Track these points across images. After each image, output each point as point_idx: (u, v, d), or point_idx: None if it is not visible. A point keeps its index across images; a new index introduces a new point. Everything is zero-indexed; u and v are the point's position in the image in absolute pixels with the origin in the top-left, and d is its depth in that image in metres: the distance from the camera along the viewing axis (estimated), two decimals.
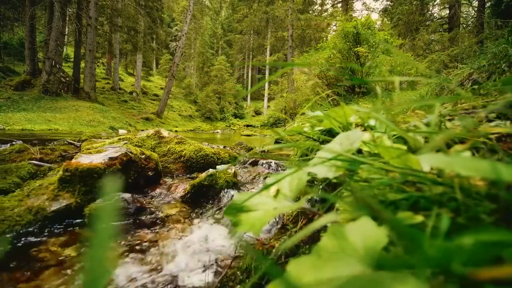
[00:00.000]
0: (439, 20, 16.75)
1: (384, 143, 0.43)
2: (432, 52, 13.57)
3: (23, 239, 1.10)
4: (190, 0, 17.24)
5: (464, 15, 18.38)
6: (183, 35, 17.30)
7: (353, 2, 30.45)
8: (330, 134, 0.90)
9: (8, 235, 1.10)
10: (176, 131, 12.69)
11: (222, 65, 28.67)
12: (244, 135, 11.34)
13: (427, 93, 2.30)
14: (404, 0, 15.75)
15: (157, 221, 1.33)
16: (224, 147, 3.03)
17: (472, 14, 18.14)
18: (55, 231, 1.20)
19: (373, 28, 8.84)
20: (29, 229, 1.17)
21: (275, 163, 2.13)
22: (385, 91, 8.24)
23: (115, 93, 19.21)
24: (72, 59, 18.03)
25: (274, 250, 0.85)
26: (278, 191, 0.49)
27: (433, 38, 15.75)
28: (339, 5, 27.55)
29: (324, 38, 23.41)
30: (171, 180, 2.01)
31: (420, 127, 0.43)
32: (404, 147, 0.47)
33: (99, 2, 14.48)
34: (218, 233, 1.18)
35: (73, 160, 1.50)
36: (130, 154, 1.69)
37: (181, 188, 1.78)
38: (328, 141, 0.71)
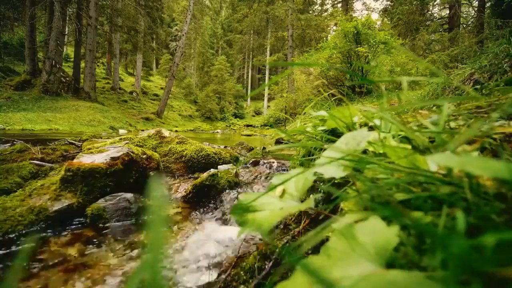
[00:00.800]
0: (439, 20, 16.77)
1: (391, 143, 0.43)
2: (432, 52, 13.58)
3: (25, 239, 1.10)
4: (190, 0, 17.24)
5: (464, 15, 18.38)
6: (183, 35, 17.30)
7: (353, 2, 30.47)
8: (333, 134, 0.90)
9: (10, 235, 1.10)
10: (176, 131, 12.68)
11: (222, 65, 28.68)
12: (244, 135, 11.34)
13: (428, 93, 2.30)
14: (404, 0, 15.76)
15: None
16: (225, 147, 3.03)
17: (472, 14, 18.14)
18: (57, 231, 1.20)
19: (373, 28, 8.84)
20: (32, 229, 1.17)
21: (277, 163, 2.13)
22: (385, 91, 8.22)
23: (115, 93, 19.20)
24: (72, 59, 18.02)
25: (277, 250, 0.85)
26: (284, 191, 0.49)
27: (433, 38, 15.77)
28: (339, 5, 27.57)
29: (324, 38, 23.41)
30: (172, 180, 2.01)
31: (429, 126, 0.43)
32: (409, 147, 0.47)
33: (99, 2, 14.48)
34: (221, 233, 1.18)
35: (75, 160, 1.50)
36: (132, 154, 1.69)
37: (183, 188, 1.78)
38: (332, 141, 0.71)
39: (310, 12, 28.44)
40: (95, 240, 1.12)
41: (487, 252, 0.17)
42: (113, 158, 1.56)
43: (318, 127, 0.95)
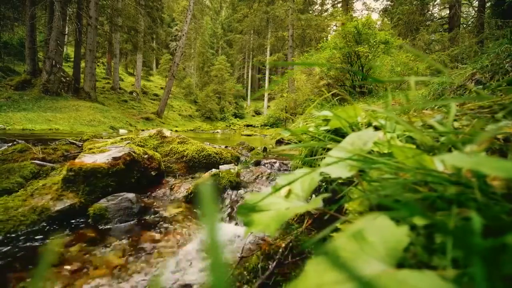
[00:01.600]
0: (439, 20, 16.78)
1: (397, 143, 0.43)
2: (432, 52, 13.59)
3: (27, 238, 1.10)
4: (190, 0, 17.23)
5: (464, 15, 18.40)
6: (183, 34, 17.29)
7: (353, 2, 30.47)
8: (336, 133, 0.90)
9: (13, 235, 1.10)
10: (176, 131, 12.67)
11: (222, 65, 28.67)
12: (245, 135, 11.34)
13: (430, 93, 2.30)
14: (404, 0, 15.77)
15: (162, 221, 1.33)
16: (226, 147, 3.02)
17: (472, 14, 18.15)
18: (60, 231, 1.19)
19: (373, 28, 8.84)
20: (34, 228, 1.17)
21: (278, 163, 2.13)
22: (385, 91, 8.23)
23: (115, 93, 19.20)
24: (72, 59, 18.01)
25: (280, 250, 0.85)
26: (289, 191, 0.49)
27: (433, 38, 15.78)
28: (339, 5, 27.57)
29: (325, 38, 23.42)
30: (173, 180, 2.00)
31: (436, 126, 0.43)
32: (414, 147, 0.47)
33: (99, 2, 14.47)
34: (223, 232, 1.18)
35: (77, 160, 1.50)
36: (133, 154, 1.69)
37: (184, 188, 1.78)
38: (336, 141, 0.71)
39: (310, 12, 28.44)
40: (97, 240, 1.12)
41: (509, 251, 0.17)
42: (114, 158, 1.56)
43: (321, 127, 0.95)
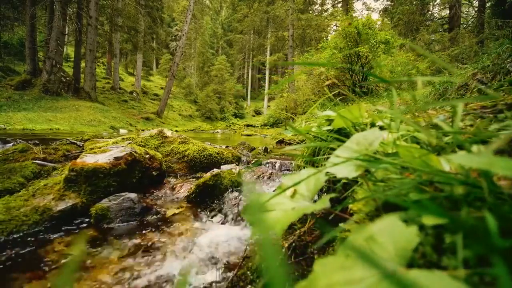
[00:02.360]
0: (439, 20, 16.79)
1: (403, 143, 0.43)
2: (432, 52, 13.59)
3: (30, 239, 1.10)
4: (190, 0, 17.23)
5: (465, 15, 18.40)
6: (183, 34, 17.29)
7: (353, 2, 30.46)
8: (339, 133, 0.90)
9: (15, 235, 1.10)
10: (176, 130, 12.67)
11: (222, 65, 28.68)
12: (245, 135, 11.33)
13: (431, 93, 2.30)
14: (405, 0, 15.78)
15: (163, 221, 1.33)
16: (227, 147, 3.02)
17: (473, 14, 18.15)
18: (62, 231, 1.19)
19: (373, 28, 8.84)
20: (36, 229, 1.17)
21: (279, 162, 2.13)
22: (385, 91, 8.24)
23: (115, 92, 19.20)
24: (72, 59, 18.01)
25: (283, 250, 0.85)
26: (295, 191, 0.49)
27: (433, 38, 15.79)
28: (339, 5, 27.58)
29: (325, 38, 23.41)
30: (174, 180, 2.00)
31: (443, 126, 0.43)
32: (418, 147, 0.47)
33: (99, 2, 14.47)
34: (225, 233, 1.18)
35: (78, 160, 1.50)
36: (135, 153, 1.69)
37: (185, 188, 1.78)
38: (339, 141, 0.71)
39: (311, 12, 28.42)
40: (99, 240, 1.12)
41: None
42: (116, 158, 1.56)
43: (323, 127, 0.95)
